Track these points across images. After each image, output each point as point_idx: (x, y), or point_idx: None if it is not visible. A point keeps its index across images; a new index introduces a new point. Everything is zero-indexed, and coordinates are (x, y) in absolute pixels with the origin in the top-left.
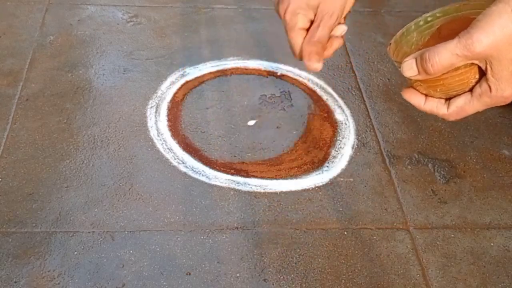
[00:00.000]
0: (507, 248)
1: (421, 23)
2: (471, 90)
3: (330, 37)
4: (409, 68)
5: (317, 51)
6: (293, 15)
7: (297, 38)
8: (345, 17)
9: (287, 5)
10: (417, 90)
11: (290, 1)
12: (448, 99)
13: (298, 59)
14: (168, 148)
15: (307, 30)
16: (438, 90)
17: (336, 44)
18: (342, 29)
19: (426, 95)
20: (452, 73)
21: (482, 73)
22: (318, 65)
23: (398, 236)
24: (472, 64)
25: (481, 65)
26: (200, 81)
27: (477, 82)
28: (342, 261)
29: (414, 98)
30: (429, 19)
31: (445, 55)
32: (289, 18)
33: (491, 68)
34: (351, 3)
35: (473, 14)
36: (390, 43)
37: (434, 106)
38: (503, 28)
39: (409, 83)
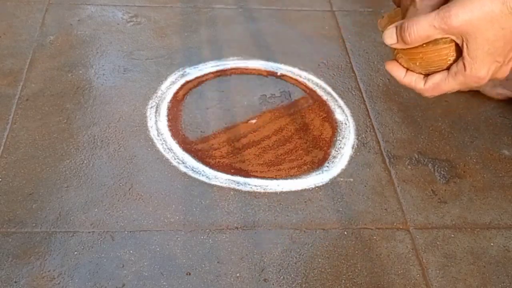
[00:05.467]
0: (507, 248)
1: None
2: (449, 68)
3: None
4: (389, 36)
5: None
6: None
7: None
8: None
9: None
10: (399, 63)
11: None
12: (427, 76)
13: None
14: (168, 148)
15: None
16: (417, 63)
17: None
18: None
19: (407, 69)
20: (432, 47)
21: (461, 53)
22: None
23: (398, 236)
24: (452, 41)
25: (458, 41)
26: (200, 81)
27: (455, 61)
28: (342, 261)
29: (396, 71)
30: None
31: (423, 26)
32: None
33: (467, 46)
34: None
35: None
36: (383, 16)
37: (413, 80)
38: (482, 6)
39: (392, 56)
